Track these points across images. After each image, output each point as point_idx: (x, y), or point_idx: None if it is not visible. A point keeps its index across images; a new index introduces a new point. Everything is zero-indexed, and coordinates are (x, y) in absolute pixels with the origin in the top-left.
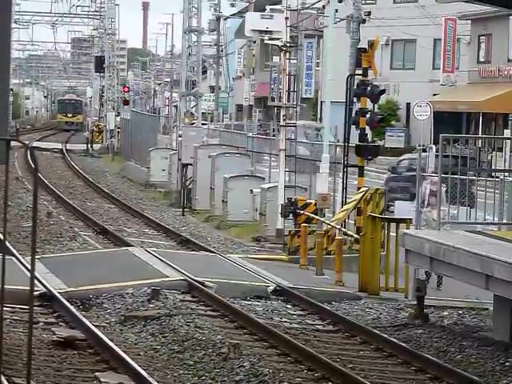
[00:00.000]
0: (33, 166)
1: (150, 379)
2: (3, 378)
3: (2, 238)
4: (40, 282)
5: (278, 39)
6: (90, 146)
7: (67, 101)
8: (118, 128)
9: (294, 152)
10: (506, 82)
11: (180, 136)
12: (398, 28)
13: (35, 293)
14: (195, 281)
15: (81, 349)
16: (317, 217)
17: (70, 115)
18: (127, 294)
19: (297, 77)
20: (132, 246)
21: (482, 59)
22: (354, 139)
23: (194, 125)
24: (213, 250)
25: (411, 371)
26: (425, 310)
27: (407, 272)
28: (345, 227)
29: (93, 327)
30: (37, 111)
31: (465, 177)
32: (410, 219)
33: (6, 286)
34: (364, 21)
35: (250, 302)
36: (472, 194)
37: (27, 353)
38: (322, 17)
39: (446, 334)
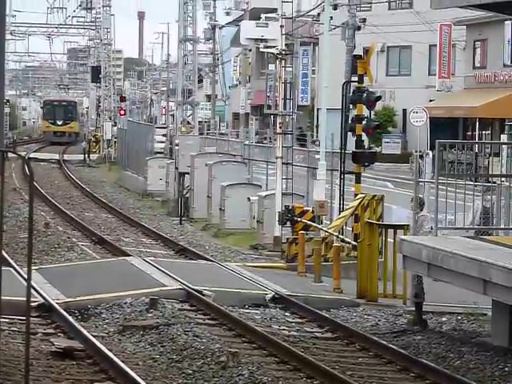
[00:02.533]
0: (28, 174)
1: None
2: None
3: None
4: (38, 292)
5: (274, 47)
6: (87, 156)
7: (56, 103)
8: (115, 138)
9: (291, 159)
10: (501, 87)
11: (176, 145)
12: (393, 34)
13: (33, 304)
14: (193, 289)
15: (79, 359)
16: (314, 224)
17: (60, 122)
18: (125, 303)
19: (293, 84)
20: (130, 255)
21: (477, 64)
22: (351, 146)
23: (190, 133)
24: (211, 258)
25: (410, 377)
26: (423, 316)
27: (405, 278)
28: (342, 234)
29: (91, 337)
30: (34, 122)
31: (462, 182)
32: (408, 225)
33: (4, 297)
34: (359, 28)
35: (248, 310)
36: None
37: (25, 363)
38: (317, 24)
39: (444, 340)
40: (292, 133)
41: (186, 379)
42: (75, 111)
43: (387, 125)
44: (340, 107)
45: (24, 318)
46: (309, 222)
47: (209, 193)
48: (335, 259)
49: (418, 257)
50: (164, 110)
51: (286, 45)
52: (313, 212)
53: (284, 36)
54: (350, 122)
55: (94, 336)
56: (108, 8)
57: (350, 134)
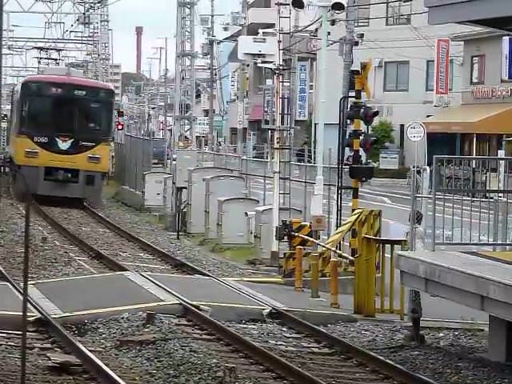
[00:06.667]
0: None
1: None
2: None
3: None
4: (35, 307)
5: (271, 62)
6: None
7: (57, 89)
8: (113, 153)
9: (289, 174)
10: (499, 103)
11: (174, 159)
12: (390, 50)
13: (30, 318)
14: (190, 305)
15: (76, 374)
16: (311, 239)
17: (69, 144)
18: (122, 318)
19: (290, 99)
20: (127, 270)
21: (475, 80)
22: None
23: (188, 148)
24: (208, 273)
25: None
26: (420, 332)
27: (402, 293)
28: (340, 249)
29: (88, 352)
30: None
31: (459, 198)
32: (405, 240)
33: (1, 312)
34: (357, 43)
35: (245, 326)
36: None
37: (21, 378)
38: (315, 39)
39: (442, 356)
40: (290, 148)
41: None
42: (109, 115)
43: (385, 140)
44: (337, 122)
45: (20, 332)
46: (306, 237)
47: (206, 208)
48: (333, 274)
49: (416, 272)
50: (162, 125)
51: (283, 60)
52: (310, 227)
53: (281, 51)
54: (347, 137)
55: (90, 351)
56: (106, 23)
57: (347, 148)
